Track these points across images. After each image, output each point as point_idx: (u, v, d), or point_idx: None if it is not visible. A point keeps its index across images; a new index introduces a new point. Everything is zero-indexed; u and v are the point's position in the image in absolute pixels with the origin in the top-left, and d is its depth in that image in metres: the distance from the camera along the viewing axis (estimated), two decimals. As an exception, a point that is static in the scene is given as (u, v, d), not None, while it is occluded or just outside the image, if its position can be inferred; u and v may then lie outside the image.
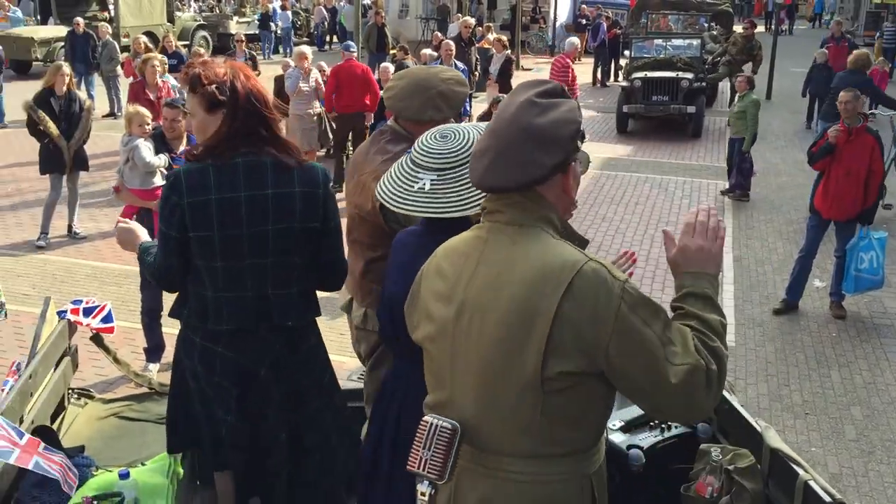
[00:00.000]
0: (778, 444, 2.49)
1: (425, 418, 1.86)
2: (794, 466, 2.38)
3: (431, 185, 2.35)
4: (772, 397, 5.70)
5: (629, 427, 2.90)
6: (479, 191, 2.23)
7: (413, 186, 2.38)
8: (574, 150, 1.85)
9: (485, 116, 9.21)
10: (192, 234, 2.48)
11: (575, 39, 13.45)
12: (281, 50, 24.24)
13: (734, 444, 2.71)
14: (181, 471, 2.96)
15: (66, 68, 8.09)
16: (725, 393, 2.77)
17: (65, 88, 7.89)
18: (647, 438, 2.85)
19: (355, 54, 11.00)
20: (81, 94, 8.45)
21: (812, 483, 2.30)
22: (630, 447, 2.79)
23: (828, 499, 2.23)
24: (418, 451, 1.83)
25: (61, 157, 8.00)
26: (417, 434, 1.84)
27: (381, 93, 3.12)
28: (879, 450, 5.04)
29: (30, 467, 2.58)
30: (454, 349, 1.87)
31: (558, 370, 1.73)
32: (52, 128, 7.81)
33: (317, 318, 2.77)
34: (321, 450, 2.72)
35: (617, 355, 1.72)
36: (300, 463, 2.69)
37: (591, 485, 1.85)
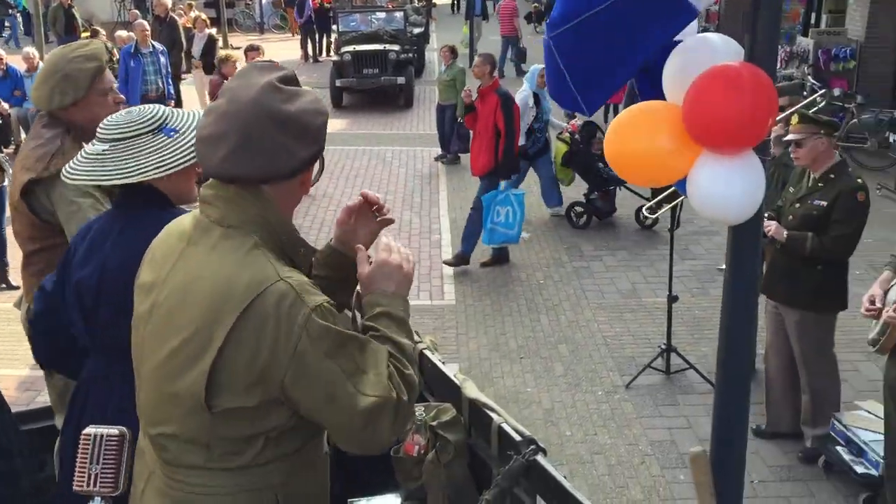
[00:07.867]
0: (474, 394, 2.61)
1: (86, 431, 1.73)
2: (488, 412, 2.51)
3: (103, 153, 2.19)
4: (491, 347, 6.06)
5: None
6: (159, 160, 2.12)
7: (86, 155, 2.23)
8: (324, 145, 1.71)
9: None
10: None
11: None
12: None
13: (440, 400, 2.81)
14: None
15: None
16: (427, 352, 2.85)
17: None
18: None
19: None
20: None
21: (504, 426, 2.44)
22: None
23: (518, 437, 2.38)
24: (85, 467, 1.70)
25: None
26: (81, 450, 1.71)
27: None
28: (584, 381, 5.55)
29: None
30: (142, 352, 1.72)
31: (226, 405, 1.59)
32: None
33: None
34: None
35: (294, 387, 1.58)
36: None
37: (276, 499, 1.69)
